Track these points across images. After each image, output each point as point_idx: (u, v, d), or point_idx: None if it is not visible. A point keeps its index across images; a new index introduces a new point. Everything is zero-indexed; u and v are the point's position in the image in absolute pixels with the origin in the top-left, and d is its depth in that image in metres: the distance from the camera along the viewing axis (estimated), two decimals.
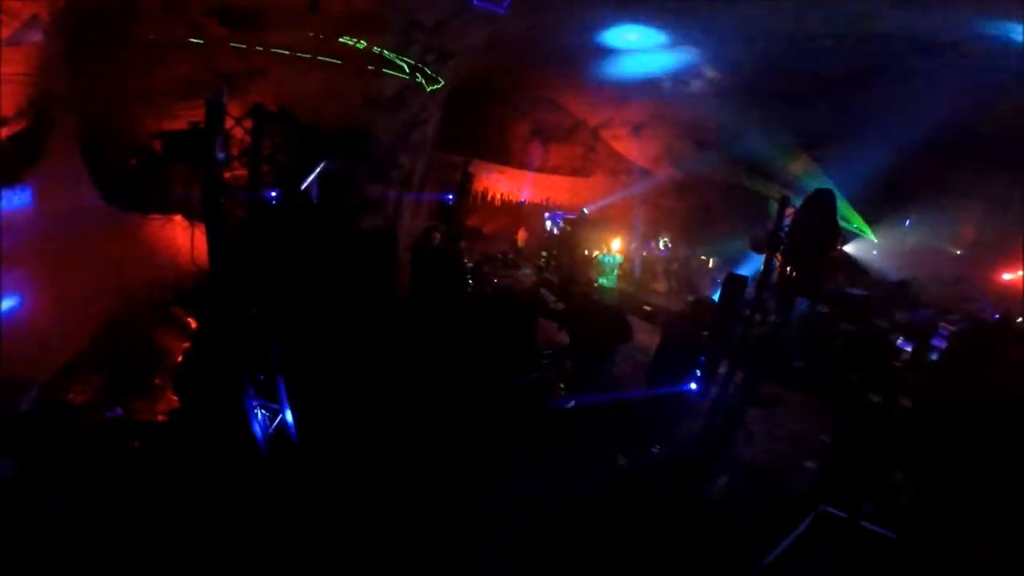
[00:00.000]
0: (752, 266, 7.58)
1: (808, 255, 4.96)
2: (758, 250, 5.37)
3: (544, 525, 5.31)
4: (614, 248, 11.13)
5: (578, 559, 5.02)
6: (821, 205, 4.90)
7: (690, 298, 9.11)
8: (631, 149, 15.34)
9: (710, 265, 13.83)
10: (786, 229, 5.12)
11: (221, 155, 4.01)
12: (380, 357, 6.70)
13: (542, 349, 7.79)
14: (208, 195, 4.11)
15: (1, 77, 5.08)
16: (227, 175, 5.04)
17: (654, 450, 7.13)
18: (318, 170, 5.36)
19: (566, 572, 4.93)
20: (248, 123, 4.56)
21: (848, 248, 13.24)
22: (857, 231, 13.25)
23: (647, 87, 12.20)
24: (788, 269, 5.12)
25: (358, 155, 8.71)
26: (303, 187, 5.14)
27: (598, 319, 6.51)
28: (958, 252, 12.61)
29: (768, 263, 5.32)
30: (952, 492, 5.50)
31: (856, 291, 9.37)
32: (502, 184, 14.47)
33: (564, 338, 7.76)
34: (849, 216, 13.05)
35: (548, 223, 13.95)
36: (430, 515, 5.08)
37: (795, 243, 5.02)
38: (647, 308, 12.26)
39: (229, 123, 4.21)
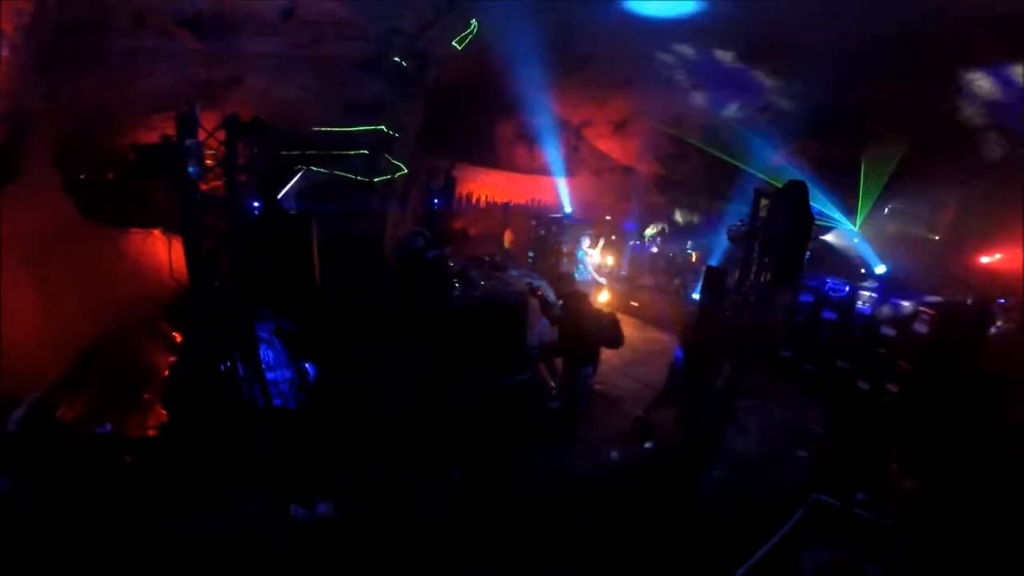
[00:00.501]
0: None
1: (785, 245, 5.03)
2: (736, 242, 5.44)
3: (537, 519, 5.35)
4: (584, 244, 11.31)
5: (574, 552, 5.05)
6: (795, 196, 4.98)
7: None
8: (614, 147, 15.44)
9: (693, 259, 13.97)
10: (761, 221, 5.20)
11: (193, 168, 3.97)
12: (371, 361, 6.72)
13: (532, 348, 7.84)
14: (184, 208, 4.07)
15: None
16: (205, 187, 5.03)
17: (647, 445, 7.19)
18: (296, 178, 5.34)
19: (561, 565, 4.94)
20: (222, 135, 4.52)
21: (829, 238, 13.43)
22: (836, 222, 13.45)
23: (627, 82, 12.31)
24: (766, 260, 5.19)
25: (340, 160, 8.70)
26: (280, 196, 5.11)
27: (589, 324, 6.51)
28: (936, 238, 12.83)
29: (746, 255, 5.39)
30: (945, 477, 5.60)
31: (838, 280, 9.50)
32: (487, 187, 14.49)
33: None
34: (828, 207, 13.25)
35: (533, 223, 14.00)
36: (425, 517, 5.09)
37: (771, 234, 5.09)
38: (634, 304, 12.38)
39: (202, 135, 4.18)
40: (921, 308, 8.30)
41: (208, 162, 4.45)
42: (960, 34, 8.46)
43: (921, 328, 8.27)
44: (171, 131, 4.03)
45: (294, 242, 5.00)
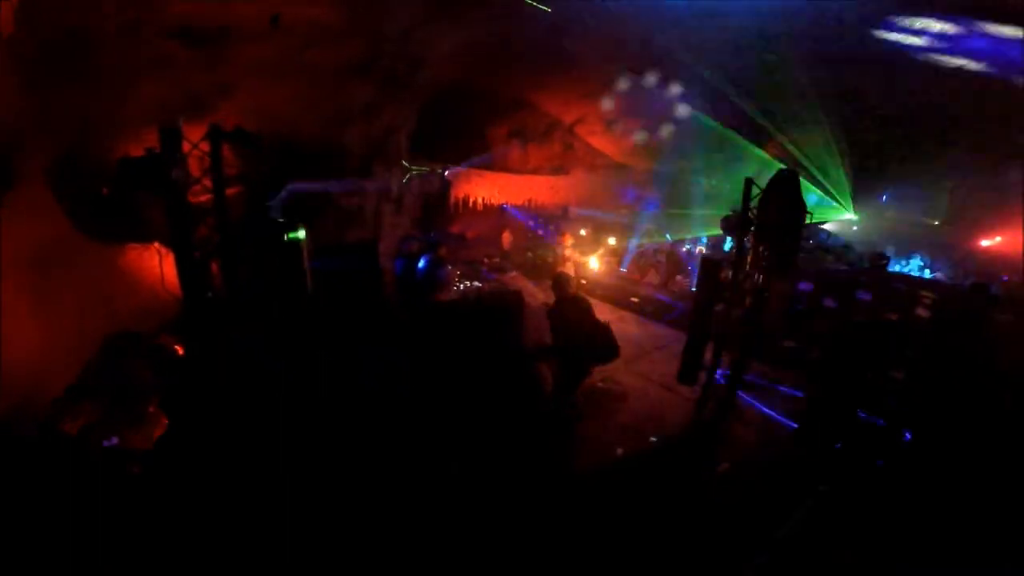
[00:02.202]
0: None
1: (778, 234, 5.02)
2: (730, 233, 5.42)
3: (544, 512, 5.32)
4: (568, 243, 10.94)
5: (584, 544, 5.03)
6: (786, 185, 4.97)
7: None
8: (607, 144, 15.45)
9: (693, 253, 13.95)
10: (753, 211, 5.19)
11: (177, 178, 3.97)
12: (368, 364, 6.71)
13: (532, 349, 7.83)
14: (172, 220, 4.08)
15: None
16: (201, 199, 5.04)
17: (652, 439, 7.16)
18: (288, 186, 5.34)
19: (572, 557, 4.92)
20: (206, 146, 4.52)
21: (828, 226, 13.42)
22: (835, 208, 13.45)
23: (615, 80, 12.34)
24: (760, 249, 5.18)
25: (333, 168, 8.72)
26: (272, 203, 5.12)
27: (584, 332, 6.38)
28: (936, 223, 12.81)
29: (740, 245, 5.38)
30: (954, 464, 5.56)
31: (838, 267, 9.47)
32: (483, 188, 14.50)
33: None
34: (825, 195, 13.26)
35: (531, 223, 13.99)
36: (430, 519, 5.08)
37: (765, 224, 5.08)
38: (634, 300, 12.38)
39: (187, 146, 4.19)
40: (922, 292, 8.29)
41: (196, 173, 4.46)
42: None
43: (923, 312, 8.25)
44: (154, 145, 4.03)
45: (285, 250, 5.01)
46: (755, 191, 5.47)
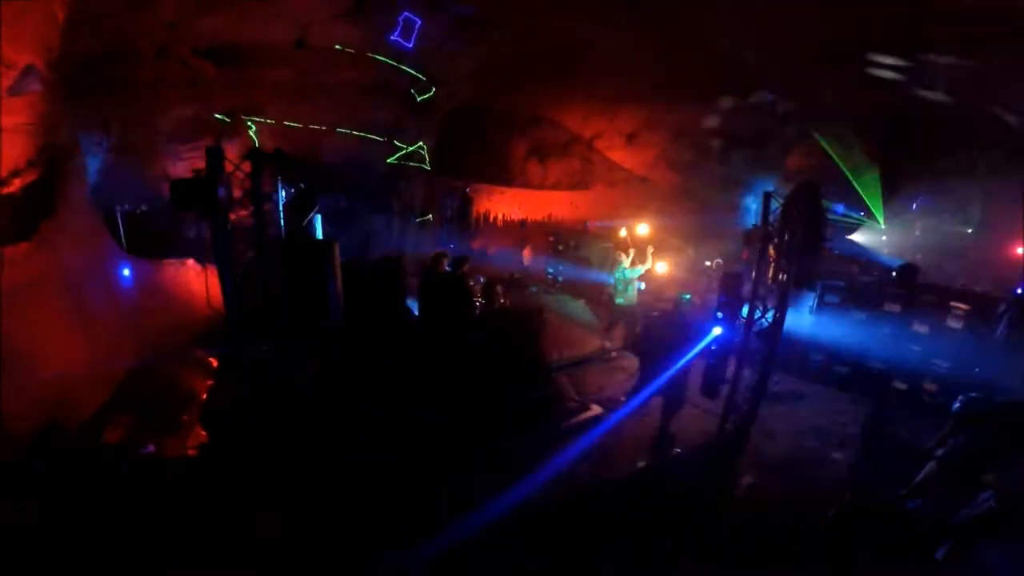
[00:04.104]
0: None
1: (799, 246, 5.00)
2: (751, 246, 5.41)
3: (566, 525, 5.32)
4: (624, 263, 9.54)
5: (601, 554, 5.01)
6: (807, 197, 4.96)
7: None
8: (626, 158, 15.50)
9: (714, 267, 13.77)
10: (774, 224, 5.19)
11: (223, 199, 4.19)
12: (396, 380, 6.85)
13: (553, 363, 7.85)
14: (217, 239, 4.29)
15: (6, 128, 5.09)
16: (234, 216, 5.27)
17: (676, 450, 7.10)
18: (318, 206, 5.55)
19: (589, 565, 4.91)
20: (247, 166, 4.75)
21: (856, 237, 13.17)
22: (862, 220, 13.21)
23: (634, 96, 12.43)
24: (782, 261, 5.16)
25: (359, 186, 8.97)
26: (305, 223, 5.32)
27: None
28: (968, 231, 12.46)
29: (761, 258, 5.37)
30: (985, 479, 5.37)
31: (866, 278, 9.28)
32: (503, 205, 14.67)
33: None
34: (852, 206, 13.05)
35: (551, 239, 14.03)
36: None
37: (786, 236, 5.07)
38: (654, 314, 12.22)
39: (229, 167, 4.41)
40: (952, 303, 8.07)
41: (236, 192, 4.69)
42: None
43: (955, 324, 8.03)
44: (199, 162, 4.26)
45: (317, 268, 5.18)
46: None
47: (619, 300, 9.68)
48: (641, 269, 9.67)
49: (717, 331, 6.54)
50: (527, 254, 14.42)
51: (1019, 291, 8.37)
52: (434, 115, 10.24)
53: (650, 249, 10.00)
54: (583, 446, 6.72)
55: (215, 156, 4.15)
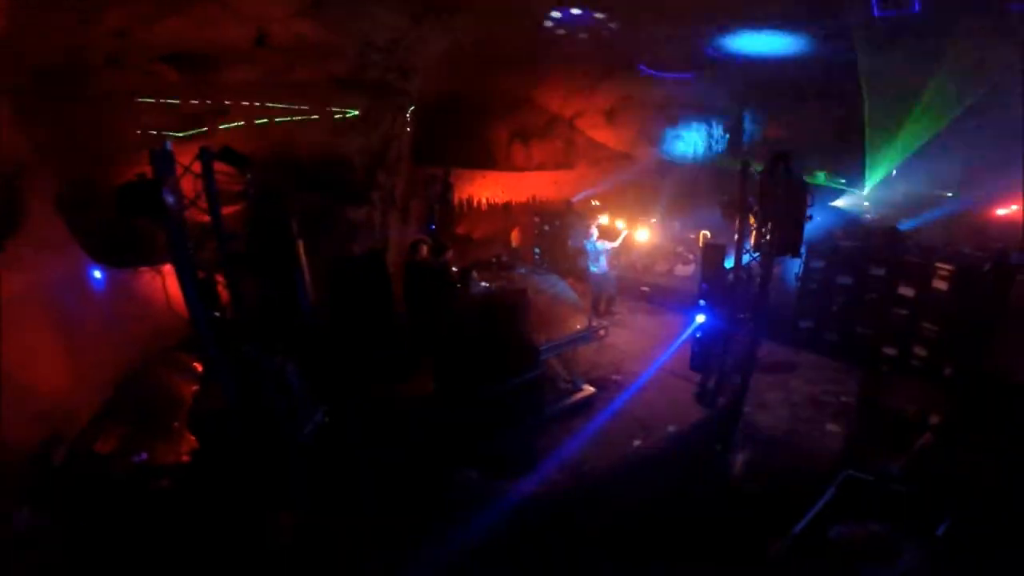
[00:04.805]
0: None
1: (781, 214, 4.95)
2: (729, 217, 5.36)
3: (566, 503, 5.34)
4: (593, 236, 10.57)
5: (603, 532, 5.03)
6: (782, 165, 4.89)
7: None
8: (608, 136, 15.37)
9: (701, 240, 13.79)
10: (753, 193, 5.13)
11: (171, 202, 4.05)
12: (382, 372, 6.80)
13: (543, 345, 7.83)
14: (173, 243, 4.17)
15: None
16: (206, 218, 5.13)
17: (670, 428, 7.12)
18: (289, 204, 5.42)
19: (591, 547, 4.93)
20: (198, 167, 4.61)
21: (839, 203, 13.19)
22: (844, 186, 13.23)
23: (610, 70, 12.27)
24: (764, 230, 5.11)
25: (335, 181, 8.76)
26: (278, 220, 5.19)
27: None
28: (948, 195, 12.51)
29: (741, 229, 5.32)
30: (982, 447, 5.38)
31: (849, 242, 9.28)
32: (486, 188, 14.51)
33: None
34: (833, 172, 13.05)
35: (536, 219, 13.97)
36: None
37: (767, 204, 5.01)
38: (644, 289, 12.30)
39: (179, 169, 4.27)
40: (938, 264, 8.10)
41: (192, 195, 4.56)
42: None
43: (941, 284, 8.07)
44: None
45: (286, 265, 5.08)
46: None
47: (592, 268, 10.75)
48: (614, 242, 10.67)
49: (700, 319, 6.55)
50: (516, 236, 14.36)
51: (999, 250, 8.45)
52: (408, 103, 10.01)
53: (621, 223, 11.16)
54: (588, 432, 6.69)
55: (160, 158, 4.00)
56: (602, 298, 10.86)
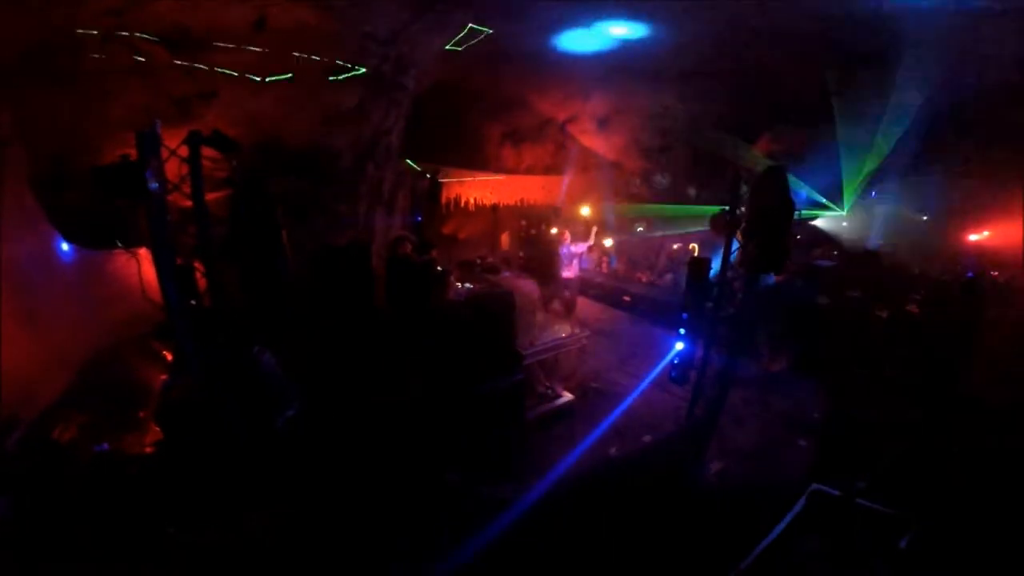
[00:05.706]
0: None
1: (767, 231, 5.01)
2: (718, 231, 5.42)
3: (537, 511, 5.32)
4: (566, 241, 11.05)
5: (574, 543, 5.02)
6: (774, 181, 4.96)
7: None
8: (599, 143, 15.46)
9: (686, 251, 13.97)
10: (742, 209, 5.19)
11: (155, 185, 3.93)
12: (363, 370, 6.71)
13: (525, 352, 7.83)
14: (152, 227, 4.04)
15: None
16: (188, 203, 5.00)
17: (645, 438, 7.18)
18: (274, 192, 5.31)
19: (562, 556, 4.92)
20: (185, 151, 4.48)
21: (819, 223, 13.48)
22: (826, 205, 13.51)
23: (609, 77, 12.32)
24: (750, 247, 5.17)
25: (323, 172, 8.64)
26: (262, 208, 5.07)
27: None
28: (924, 218, 12.89)
29: (728, 243, 5.38)
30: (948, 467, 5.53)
31: (826, 262, 9.49)
32: (474, 189, 14.47)
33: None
34: (815, 191, 13.32)
35: (523, 223, 14.02)
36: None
37: (754, 220, 5.07)
38: (626, 299, 12.37)
39: (165, 152, 4.16)
40: (912, 287, 8.35)
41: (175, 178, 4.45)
42: None
43: (914, 308, 8.31)
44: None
45: (269, 254, 4.98)
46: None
47: (566, 274, 11.20)
48: (584, 246, 11.25)
49: (679, 346, 6.65)
50: (504, 238, 14.36)
51: (970, 275, 8.73)
52: (403, 98, 9.91)
53: (594, 229, 11.79)
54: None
55: (146, 139, 3.87)
56: (564, 300, 11.10)
